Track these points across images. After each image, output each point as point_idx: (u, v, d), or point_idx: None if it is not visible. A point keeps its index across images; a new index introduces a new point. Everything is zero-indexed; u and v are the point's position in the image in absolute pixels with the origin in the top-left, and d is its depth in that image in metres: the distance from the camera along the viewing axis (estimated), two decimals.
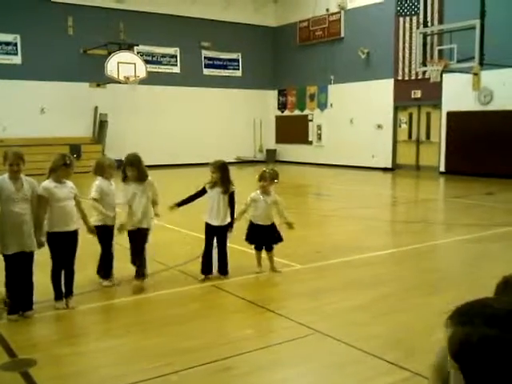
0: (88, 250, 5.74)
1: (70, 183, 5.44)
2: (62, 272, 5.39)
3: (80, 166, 15.70)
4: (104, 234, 6.05)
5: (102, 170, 6.21)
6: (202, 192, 6.47)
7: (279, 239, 6.71)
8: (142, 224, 6.03)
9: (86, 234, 5.67)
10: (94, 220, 5.99)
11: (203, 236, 6.52)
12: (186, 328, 4.95)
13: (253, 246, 6.80)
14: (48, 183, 5.26)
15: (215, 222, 6.38)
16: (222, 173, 6.39)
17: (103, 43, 20.72)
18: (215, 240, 6.48)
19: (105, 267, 6.16)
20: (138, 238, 6.05)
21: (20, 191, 5.02)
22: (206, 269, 6.40)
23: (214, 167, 6.42)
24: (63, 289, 5.38)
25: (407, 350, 4.38)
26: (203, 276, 6.38)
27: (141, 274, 6.04)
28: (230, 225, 6.48)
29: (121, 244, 6.41)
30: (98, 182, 6.14)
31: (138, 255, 6.07)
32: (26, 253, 5.08)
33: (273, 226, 6.70)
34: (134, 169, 6.01)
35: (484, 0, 15.83)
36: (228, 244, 6.60)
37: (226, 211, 6.41)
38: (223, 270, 6.48)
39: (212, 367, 4.08)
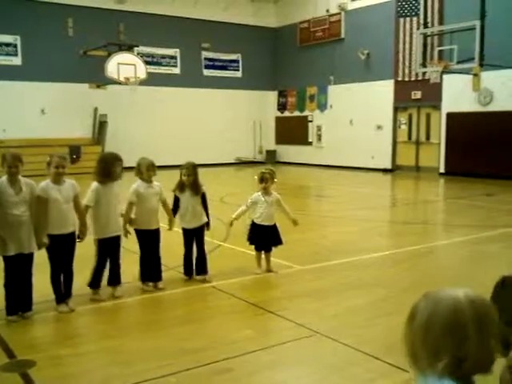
0: (88, 251, 5.71)
1: (69, 183, 5.36)
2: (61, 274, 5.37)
3: (80, 167, 15.80)
4: (144, 238, 6.03)
5: (139, 171, 6.05)
6: (177, 199, 6.38)
7: (280, 242, 6.72)
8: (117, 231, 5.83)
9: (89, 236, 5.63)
10: (134, 224, 6.00)
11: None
12: (185, 329, 4.95)
13: (253, 247, 6.81)
14: (45, 184, 5.24)
15: (192, 225, 6.36)
16: (195, 175, 6.36)
17: (103, 44, 20.72)
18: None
19: (146, 271, 6.07)
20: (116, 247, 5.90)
21: (19, 194, 5.01)
22: (189, 271, 6.45)
23: (189, 170, 6.32)
24: (63, 291, 5.37)
25: None
26: (187, 277, 6.44)
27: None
28: (207, 224, 6.49)
29: (122, 246, 6.37)
30: (136, 184, 6.02)
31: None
32: (25, 254, 5.07)
33: (275, 226, 6.73)
34: (121, 164, 5.75)
35: (484, 1, 15.84)
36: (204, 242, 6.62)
37: (201, 212, 6.40)
38: (203, 270, 6.44)
39: (212, 368, 4.08)
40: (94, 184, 5.65)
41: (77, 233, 5.45)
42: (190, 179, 6.30)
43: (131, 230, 6.02)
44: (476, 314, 1.40)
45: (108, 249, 5.74)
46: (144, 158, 6.18)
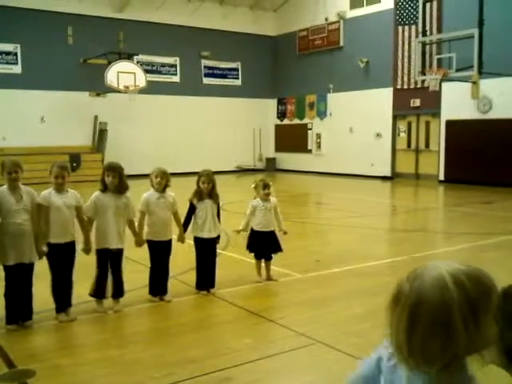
0: (89, 260, 5.69)
1: (73, 193, 5.37)
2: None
3: (80, 175, 15.80)
4: (156, 249, 5.91)
5: (150, 178, 5.96)
6: (193, 208, 6.21)
7: (279, 249, 6.72)
8: (117, 244, 5.61)
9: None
10: (145, 234, 5.90)
11: None
12: (186, 338, 4.94)
13: (252, 255, 6.80)
14: (47, 192, 5.23)
15: (212, 234, 6.22)
16: (214, 183, 6.24)
17: (103, 53, 20.79)
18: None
19: (156, 285, 5.95)
20: (113, 259, 5.66)
21: (20, 202, 4.99)
22: (204, 286, 6.24)
23: (208, 178, 6.16)
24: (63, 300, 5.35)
25: None
26: (200, 291, 6.25)
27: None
28: (218, 236, 6.39)
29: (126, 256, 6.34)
30: (146, 193, 5.94)
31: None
32: (26, 264, 5.05)
33: (274, 233, 6.72)
34: (115, 175, 5.54)
35: (482, 9, 15.91)
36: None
37: (217, 221, 6.31)
38: (213, 283, 6.29)
39: (212, 378, 4.07)
40: (94, 193, 5.63)
41: (81, 246, 5.44)
42: (209, 187, 6.16)
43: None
44: (466, 299, 1.24)
45: (107, 260, 5.60)
46: (157, 167, 6.04)
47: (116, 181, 5.52)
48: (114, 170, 5.59)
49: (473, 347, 1.27)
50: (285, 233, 6.79)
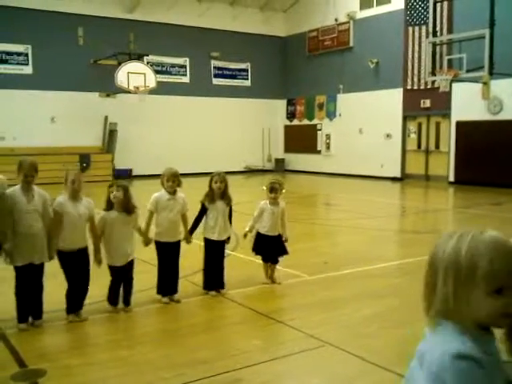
0: (104, 262, 5.71)
1: (86, 201, 5.37)
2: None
3: (90, 176, 15.85)
4: (164, 250, 5.92)
5: (161, 180, 5.95)
6: (204, 210, 6.19)
7: (285, 251, 6.70)
8: (128, 258, 5.65)
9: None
10: (153, 234, 5.91)
11: None
12: (195, 339, 4.96)
13: (260, 257, 6.79)
14: (62, 199, 5.24)
15: (223, 237, 6.22)
16: (226, 183, 6.21)
17: (113, 53, 20.87)
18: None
19: (164, 285, 5.95)
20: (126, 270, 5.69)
21: (31, 203, 5.02)
22: (212, 286, 6.25)
23: (222, 177, 6.13)
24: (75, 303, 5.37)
25: None
26: (213, 292, 6.24)
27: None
28: (228, 238, 6.39)
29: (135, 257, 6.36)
30: (158, 193, 5.93)
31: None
32: (36, 265, 5.08)
33: (279, 236, 6.69)
34: (119, 189, 5.51)
35: (493, 9, 15.85)
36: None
37: (228, 223, 6.30)
38: (222, 284, 6.31)
39: (222, 379, 4.08)
40: (100, 214, 5.59)
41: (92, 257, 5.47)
42: (222, 186, 6.12)
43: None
44: (453, 262, 1.33)
45: (118, 273, 5.61)
46: (169, 168, 6.01)
47: (120, 194, 5.48)
48: (118, 184, 5.61)
49: (449, 310, 1.36)
50: (285, 240, 6.71)
